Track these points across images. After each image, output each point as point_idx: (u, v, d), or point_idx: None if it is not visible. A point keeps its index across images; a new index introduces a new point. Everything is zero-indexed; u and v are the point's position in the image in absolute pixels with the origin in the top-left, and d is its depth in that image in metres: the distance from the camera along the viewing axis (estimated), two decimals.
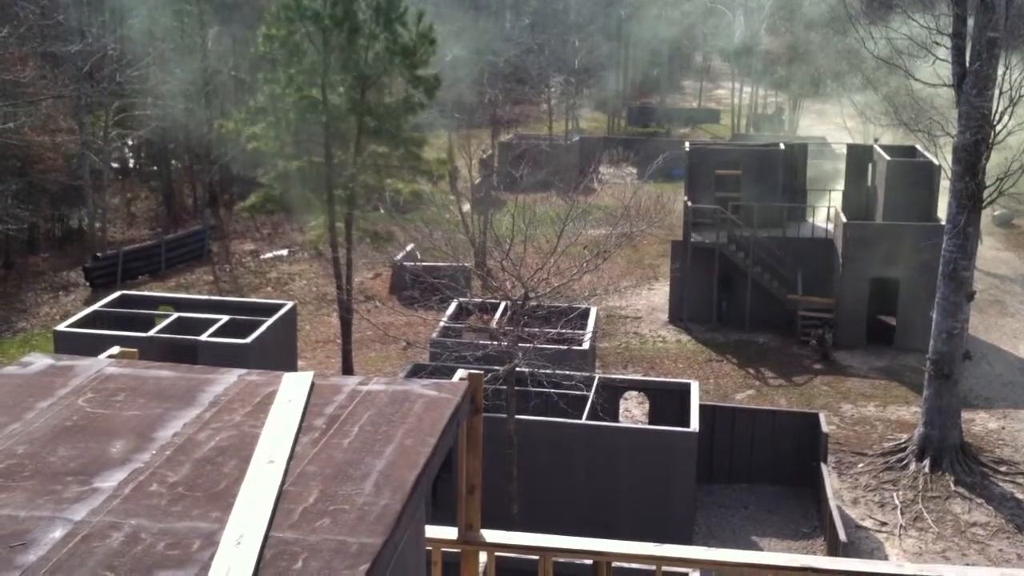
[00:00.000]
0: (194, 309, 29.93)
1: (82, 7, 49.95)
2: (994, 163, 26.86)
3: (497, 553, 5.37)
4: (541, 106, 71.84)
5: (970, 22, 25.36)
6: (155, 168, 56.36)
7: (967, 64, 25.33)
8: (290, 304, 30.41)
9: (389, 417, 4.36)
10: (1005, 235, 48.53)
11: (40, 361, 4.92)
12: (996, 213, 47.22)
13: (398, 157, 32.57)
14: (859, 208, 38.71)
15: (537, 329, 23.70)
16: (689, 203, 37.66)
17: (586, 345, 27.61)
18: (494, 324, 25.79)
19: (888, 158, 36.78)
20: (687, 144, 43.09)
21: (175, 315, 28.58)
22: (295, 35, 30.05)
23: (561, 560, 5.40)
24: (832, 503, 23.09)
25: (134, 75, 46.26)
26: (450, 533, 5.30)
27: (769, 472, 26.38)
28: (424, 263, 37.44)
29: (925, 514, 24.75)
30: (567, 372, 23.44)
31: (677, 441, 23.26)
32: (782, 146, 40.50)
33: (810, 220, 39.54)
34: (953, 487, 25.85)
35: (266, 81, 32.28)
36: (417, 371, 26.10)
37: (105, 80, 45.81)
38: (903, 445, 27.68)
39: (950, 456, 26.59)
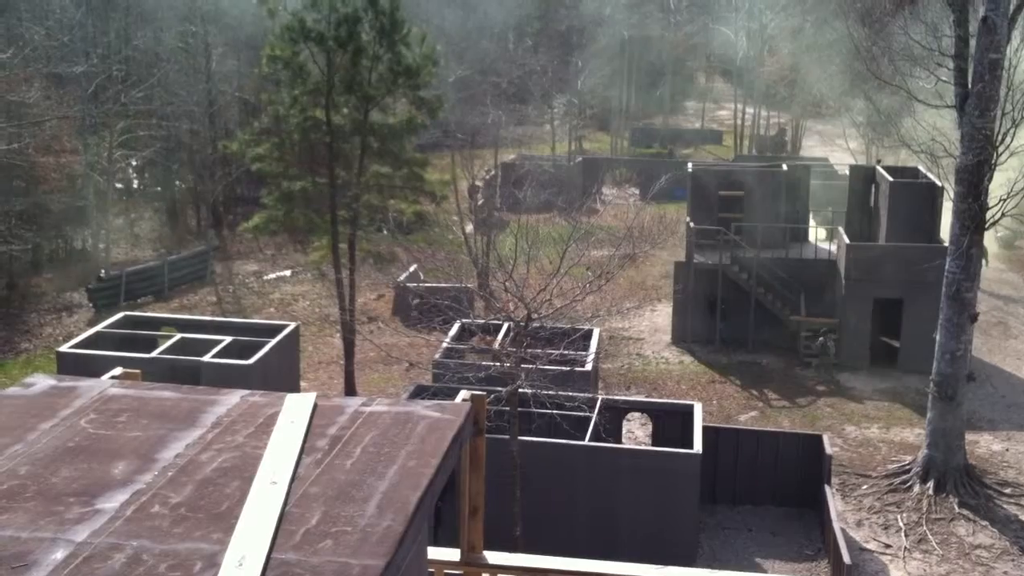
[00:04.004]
0: (197, 330, 29.95)
1: (87, 28, 50.19)
2: (997, 184, 26.88)
3: (499, 575, 5.36)
4: (544, 127, 72.02)
5: (972, 43, 25.42)
6: (159, 189, 56.53)
7: (969, 85, 25.38)
8: (293, 325, 30.40)
9: (392, 438, 4.36)
10: (1009, 256, 48.52)
11: (43, 382, 4.92)
12: (999, 234, 47.23)
13: (401, 177, 32.66)
14: (862, 229, 38.74)
15: (540, 350, 23.68)
16: (692, 224, 37.69)
17: (589, 366, 27.59)
18: (497, 345, 25.79)
19: (891, 179, 36.80)
20: (690, 165, 43.16)
21: (178, 336, 28.60)
22: (299, 56, 30.19)
23: None
24: (836, 525, 23.01)
25: (139, 96, 46.45)
26: (453, 555, 5.29)
27: (773, 494, 26.30)
28: (427, 284, 37.45)
29: (929, 536, 24.66)
30: (570, 393, 23.42)
31: (680, 463, 23.20)
32: (785, 167, 40.55)
33: (813, 241, 39.57)
34: (957, 509, 25.75)
35: (270, 102, 32.42)
36: (420, 392, 26.07)
37: (110, 101, 46.01)
38: (907, 467, 27.60)
39: (954, 478, 26.51)
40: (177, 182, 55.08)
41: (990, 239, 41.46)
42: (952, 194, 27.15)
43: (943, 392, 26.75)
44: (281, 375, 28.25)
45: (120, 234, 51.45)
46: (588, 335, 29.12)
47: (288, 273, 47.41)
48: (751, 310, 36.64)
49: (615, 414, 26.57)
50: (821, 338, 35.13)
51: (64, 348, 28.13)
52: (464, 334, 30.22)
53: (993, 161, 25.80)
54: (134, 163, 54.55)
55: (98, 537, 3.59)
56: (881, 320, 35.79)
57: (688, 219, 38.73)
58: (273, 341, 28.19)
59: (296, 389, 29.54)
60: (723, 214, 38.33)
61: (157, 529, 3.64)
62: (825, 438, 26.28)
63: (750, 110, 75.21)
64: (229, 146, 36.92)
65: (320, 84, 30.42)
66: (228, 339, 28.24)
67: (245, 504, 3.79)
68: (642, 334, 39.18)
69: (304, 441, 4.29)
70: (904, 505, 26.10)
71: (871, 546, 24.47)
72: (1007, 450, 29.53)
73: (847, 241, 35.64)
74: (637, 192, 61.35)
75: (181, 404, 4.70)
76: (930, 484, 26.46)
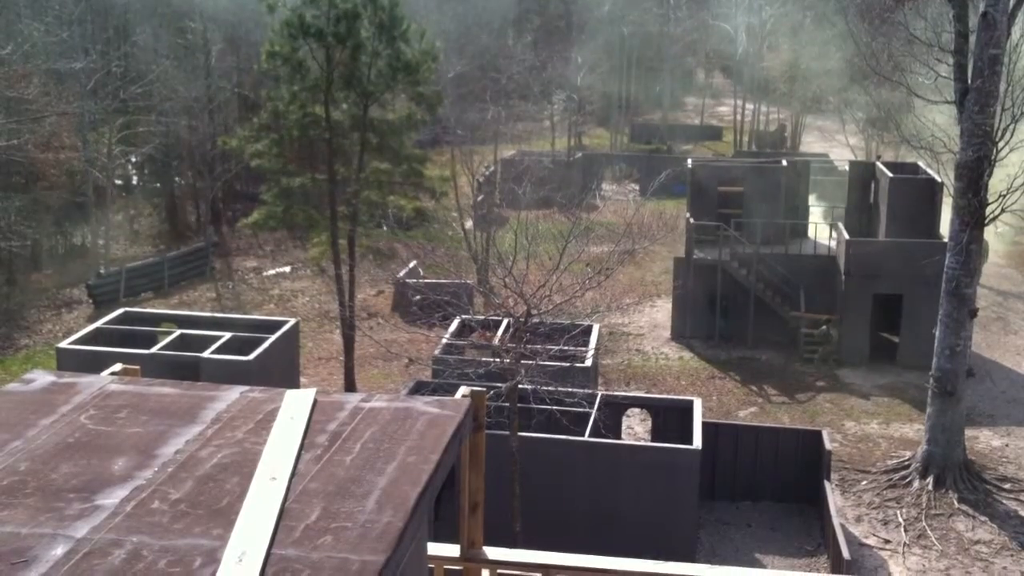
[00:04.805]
0: (196, 326, 29.93)
1: (86, 24, 50.16)
2: (997, 179, 26.88)
3: (499, 571, 5.36)
4: (544, 123, 71.99)
5: (972, 39, 25.40)
6: (158, 185, 56.49)
7: (969, 81, 25.37)
8: (292, 321, 30.40)
9: (391, 434, 4.36)
10: (1008, 252, 48.51)
11: (42, 378, 4.92)
12: (999, 230, 47.23)
13: (400, 174, 32.65)
14: (861, 225, 38.73)
15: (539, 346, 23.67)
16: (691, 220, 37.68)
17: (588, 362, 27.59)
18: (496, 341, 25.79)
19: (890, 175, 36.80)
20: (689, 161, 43.16)
21: (177, 332, 28.59)
22: (298, 52, 30.16)
23: None
24: (835, 521, 23.02)
25: (138, 92, 46.41)
26: (453, 550, 5.29)
27: (772, 489, 26.31)
28: (427, 280, 37.45)
29: (929, 532, 24.67)
30: (569, 389, 23.43)
31: (680, 458, 23.21)
32: (784, 163, 40.55)
33: (812, 237, 39.59)
34: (957, 505, 25.77)
35: (269, 98, 32.40)
36: (419, 388, 26.08)
37: (109, 97, 45.97)
38: (906, 462, 27.62)
39: (953, 473, 26.52)
40: (176, 178, 55.04)
41: (992, 235, 41.43)
42: (952, 190, 27.15)
43: (943, 387, 26.75)
44: (281, 371, 28.24)
45: (119, 230, 51.45)
46: (588, 331, 29.12)
47: (288, 269, 47.41)
48: (751, 306, 36.63)
49: (615, 410, 26.58)
50: (824, 326, 35.14)
51: (64, 344, 28.11)
52: (464, 330, 30.22)
53: (993, 157, 25.79)
54: (133, 159, 54.53)
55: (98, 533, 3.59)
56: (881, 316, 35.80)
57: (688, 215, 38.73)
58: (273, 337, 28.18)
59: (296, 385, 29.53)
60: (722, 210, 38.34)
61: (157, 525, 3.64)
62: (824, 434, 26.29)
63: (750, 106, 75.18)
64: (228, 142, 36.90)
65: (319, 80, 30.40)
66: (228, 335, 28.24)
67: (245, 500, 3.79)
68: (642, 330, 39.19)
69: (304, 437, 4.29)
70: (904, 500, 26.11)
71: (871, 541, 24.49)
72: (1007, 445, 29.55)
73: (847, 237, 35.64)
74: (636, 188, 61.35)
75: (181, 400, 4.70)
76: (929, 479, 26.47)
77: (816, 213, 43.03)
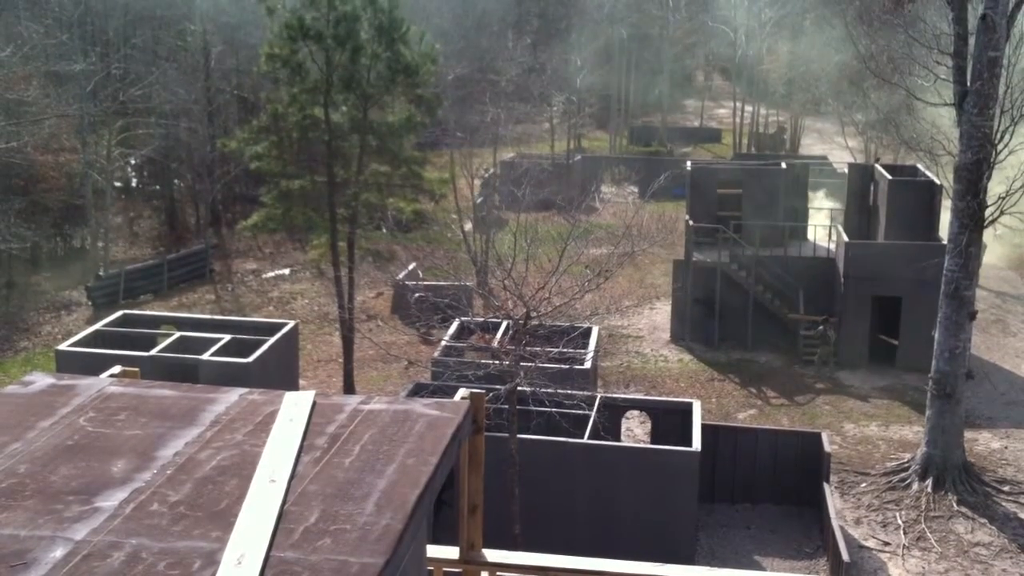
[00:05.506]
0: (196, 328, 29.94)
1: (86, 26, 50.19)
2: (996, 182, 26.88)
3: (499, 573, 5.36)
4: (543, 125, 71.99)
5: (971, 41, 25.42)
6: (158, 187, 56.52)
7: (968, 83, 25.38)
8: (292, 323, 30.40)
9: (391, 436, 4.36)
10: (1008, 254, 48.49)
11: (42, 380, 4.92)
12: (998, 233, 47.22)
13: (400, 176, 32.66)
14: (861, 227, 38.73)
15: (539, 348, 23.67)
16: (691, 222, 37.68)
17: (588, 364, 27.59)
18: (496, 343, 25.78)
19: (889, 177, 36.79)
20: (689, 163, 43.17)
21: (177, 334, 28.60)
22: (298, 54, 30.18)
23: None
24: (835, 523, 23.02)
25: (137, 94, 46.42)
26: (452, 553, 5.29)
27: (771, 492, 26.30)
28: (426, 282, 37.44)
29: (928, 534, 24.67)
30: (569, 391, 23.42)
31: (679, 460, 23.21)
32: (783, 165, 40.56)
33: (812, 239, 39.59)
34: (956, 507, 25.76)
35: (269, 100, 32.41)
36: (419, 390, 26.09)
37: (108, 99, 45.98)
38: (906, 465, 27.61)
39: (953, 476, 26.51)
40: (176, 180, 55.06)
41: (991, 237, 41.42)
42: (951, 192, 27.15)
43: (942, 390, 26.75)
44: (280, 373, 28.24)
45: (119, 232, 51.46)
46: (587, 333, 29.12)
47: (287, 271, 47.40)
48: (750, 308, 36.63)
49: (614, 412, 26.57)
50: (821, 326, 35.12)
51: (63, 346, 28.13)
52: (463, 332, 30.22)
53: (992, 159, 25.80)
54: (133, 161, 54.56)
55: (97, 535, 3.58)
56: (880, 318, 35.79)
57: (687, 217, 38.72)
58: (272, 339, 28.19)
59: (295, 387, 29.54)
60: (722, 212, 38.33)
61: (156, 527, 3.64)
62: (824, 436, 26.28)
63: (749, 108, 75.21)
64: (228, 144, 36.90)
65: (319, 82, 30.41)
66: (227, 337, 28.24)
67: (244, 502, 3.78)
68: (641, 332, 39.17)
69: (303, 439, 4.29)
70: (903, 503, 26.10)
71: (870, 544, 24.48)
72: (1006, 448, 29.55)
73: (846, 239, 35.63)
74: (636, 190, 61.35)
75: (180, 402, 4.69)
76: (929, 482, 26.46)
77: (821, 215, 43.01)
